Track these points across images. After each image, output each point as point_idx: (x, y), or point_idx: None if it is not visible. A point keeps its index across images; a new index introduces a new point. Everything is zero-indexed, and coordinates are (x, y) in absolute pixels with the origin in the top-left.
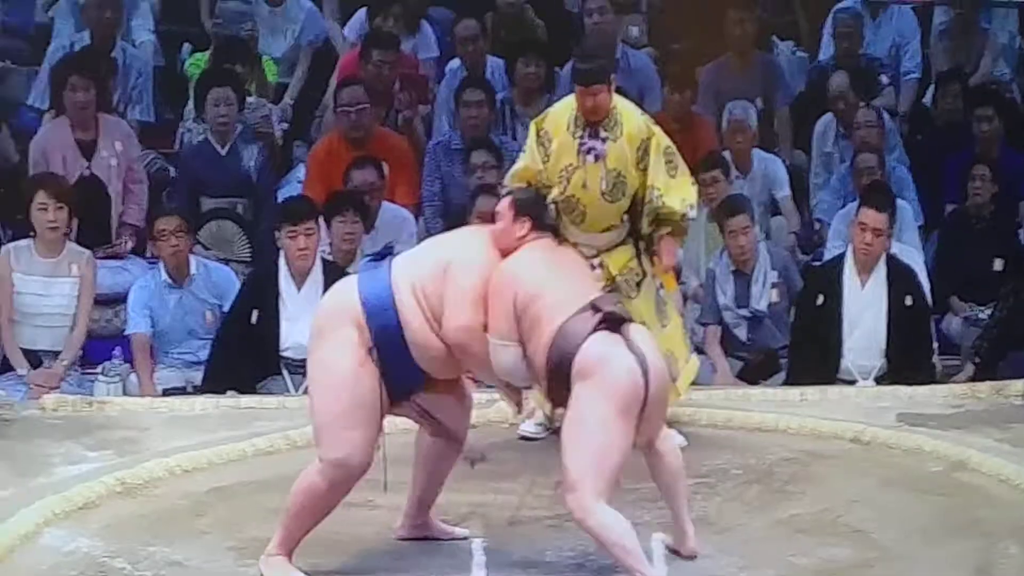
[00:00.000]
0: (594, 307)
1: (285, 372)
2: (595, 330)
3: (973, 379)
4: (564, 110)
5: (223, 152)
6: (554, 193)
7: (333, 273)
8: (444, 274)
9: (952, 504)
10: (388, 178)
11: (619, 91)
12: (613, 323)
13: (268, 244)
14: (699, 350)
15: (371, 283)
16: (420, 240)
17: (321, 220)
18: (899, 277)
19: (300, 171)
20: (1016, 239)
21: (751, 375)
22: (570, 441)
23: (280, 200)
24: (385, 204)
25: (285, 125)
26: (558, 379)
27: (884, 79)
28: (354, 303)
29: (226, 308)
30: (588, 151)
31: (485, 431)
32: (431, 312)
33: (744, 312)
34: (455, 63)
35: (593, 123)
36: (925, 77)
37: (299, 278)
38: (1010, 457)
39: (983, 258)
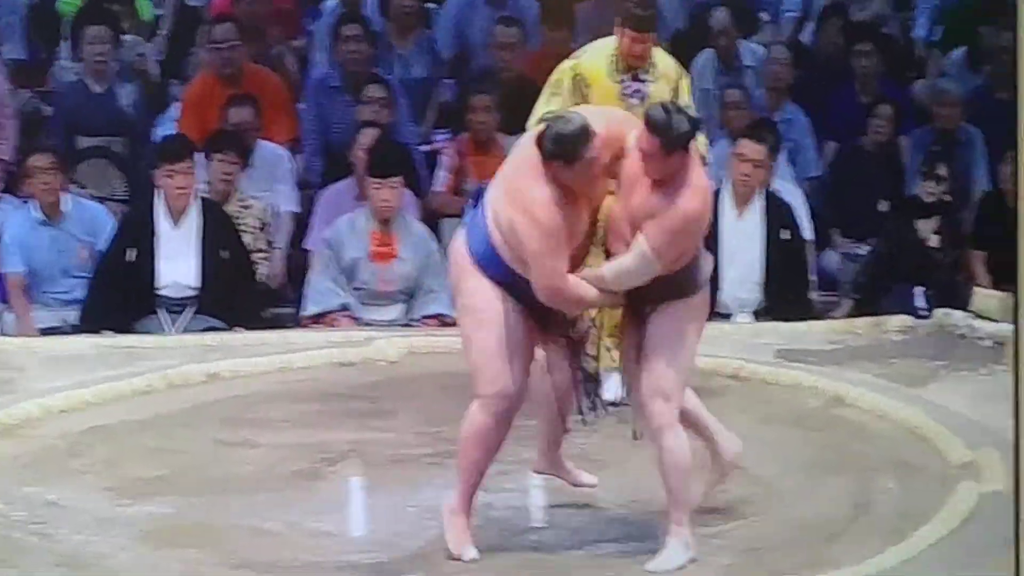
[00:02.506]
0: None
1: (162, 311)
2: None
3: (852, 315)
4: (601, 55)
5: (99, 90)
6: None
7: (211, 211)
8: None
9: (831, 439)
10: (263, 116)
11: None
12: None
13: (145, 183)
14: None
15: (475, 232)
16: (299, 180)
17: (198, 158)
18: (776, 211)
19: (176, 110)
20: (903, 178)
21: None
22: (670, 355)
23: (157, 139)
24: (261, 142)
25: (160, 57)
26: (663, 292)
27: (765, 16)
28: (467, 257)
29: (100, 246)
30: (633, 94)
31: (363, 368)
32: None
33: None
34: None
35: (634, 67)
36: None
37: (176, 216)
38: (888, 392)
39: (871, 196)
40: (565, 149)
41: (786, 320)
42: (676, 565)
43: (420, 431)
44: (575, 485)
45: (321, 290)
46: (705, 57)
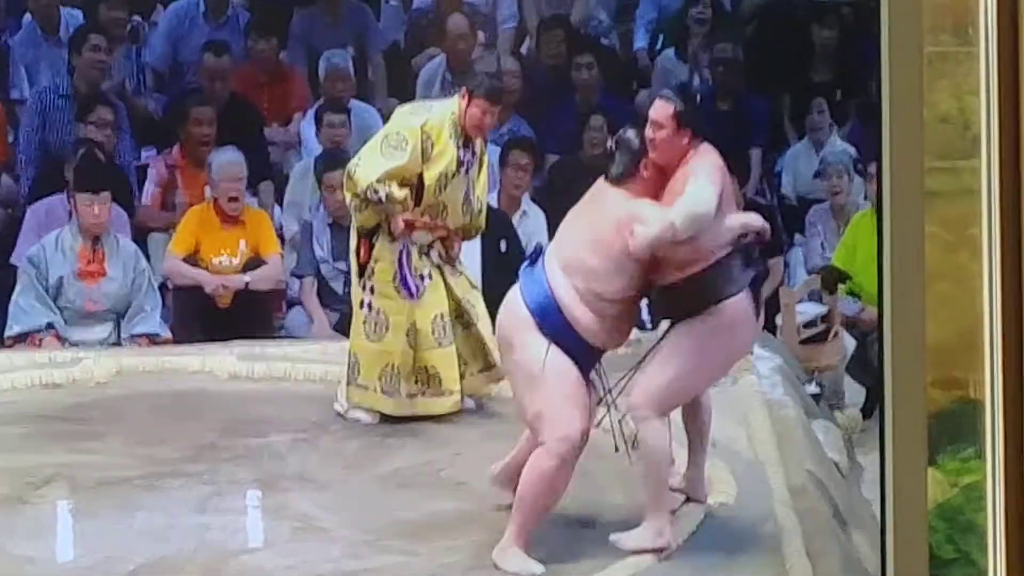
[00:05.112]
0: (747, 255)
1: None
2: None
3: None
4: (443, 116)
5: None
6: (427, 197)
7: None
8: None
9: None
10: None
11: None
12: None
13: None
14: (294, 303)
15: (532, 288)
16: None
17: None
18: (494, 222)
19: None
20: None
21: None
22: (664, 364)
23: None
24: None
25: None
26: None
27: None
28: (523, 312)
29: None
30: (465, 162)
31: (70, 390)
32: (591, 297)
33: (341, 265)
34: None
35: (472, 136)
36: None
37: None
38: None
39: None
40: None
41: None
42: (637, 545)
43: (130, 453)
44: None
45: (24, 309)
46: (432, 67)
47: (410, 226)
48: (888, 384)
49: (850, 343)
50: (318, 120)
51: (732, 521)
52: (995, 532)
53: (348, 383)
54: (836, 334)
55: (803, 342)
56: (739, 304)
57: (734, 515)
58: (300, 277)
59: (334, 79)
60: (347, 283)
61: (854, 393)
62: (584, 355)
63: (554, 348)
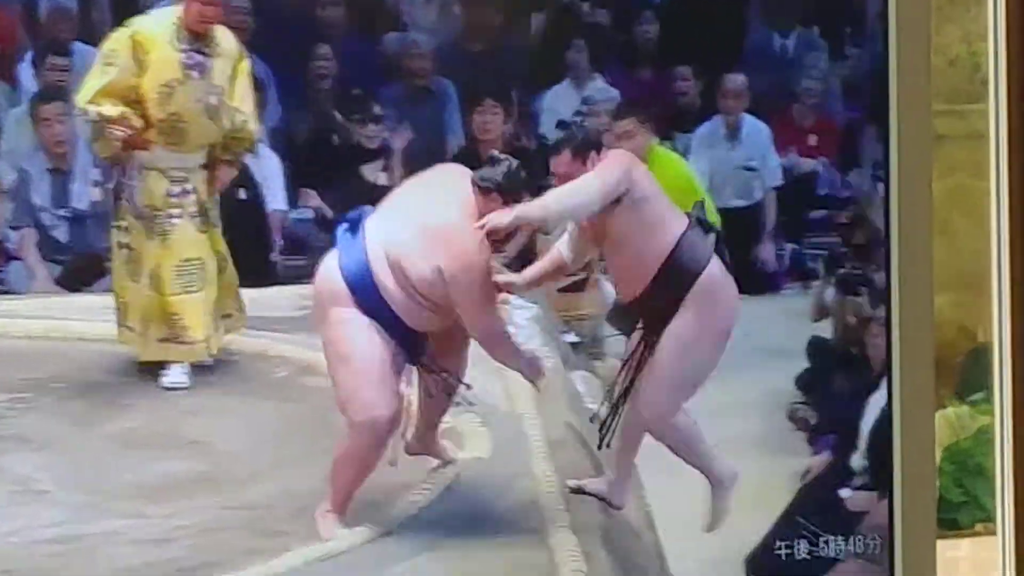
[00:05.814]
0: (702, 224)
1: None
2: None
3: None
4: (163, 22)
5: None
6: (154, 113)
7: None
8: (426, 251)
9: (301, 409)
10: None
11: None
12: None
13: None
14: (14, 257)
15: (350, 258)
16: None
17: None
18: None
19: None
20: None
21: (72, 281)
22: (662, 375)
23: None
24: None
25: None
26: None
27: None
28: (339, 283)
29: None
30: (195, 65)
31: None
32: (409, 283)
33: (62, 212)
34: None
35: (199, 37)
36: None
37: None
38: None
39: (328, 150)
40: (515, 185)
41: (249, 286)
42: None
43: None
44: (446, 461)
45: None
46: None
47: (132, 144)
48: (896, 333)
49: (610, 292)
50: (38, 63)
51: (487, 476)
52: (1003, 475)
53: (119, 325)
54: (595, 282)
55: (560, 290)
56: (712, 272)
57: (489, 470)
58: (18, 228)
59: (56, 19)
60: (71, 232)
61: (615, 343)
62: (403, 336)
63: (367, 326)
